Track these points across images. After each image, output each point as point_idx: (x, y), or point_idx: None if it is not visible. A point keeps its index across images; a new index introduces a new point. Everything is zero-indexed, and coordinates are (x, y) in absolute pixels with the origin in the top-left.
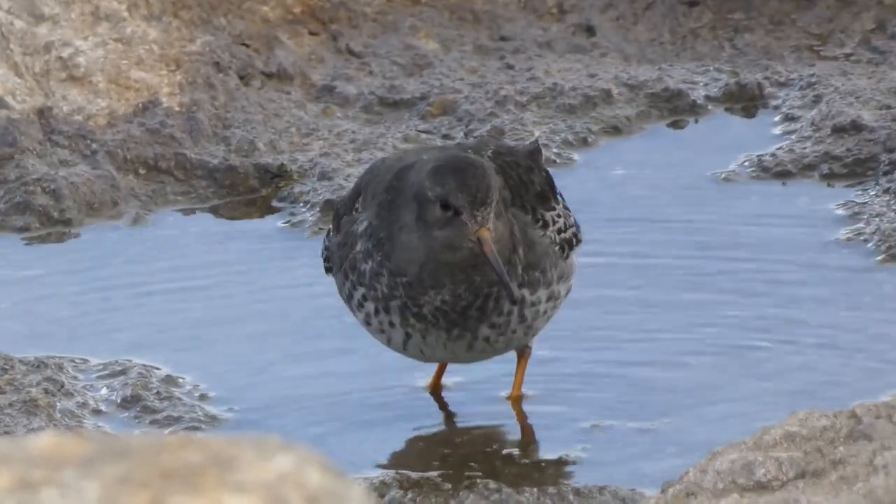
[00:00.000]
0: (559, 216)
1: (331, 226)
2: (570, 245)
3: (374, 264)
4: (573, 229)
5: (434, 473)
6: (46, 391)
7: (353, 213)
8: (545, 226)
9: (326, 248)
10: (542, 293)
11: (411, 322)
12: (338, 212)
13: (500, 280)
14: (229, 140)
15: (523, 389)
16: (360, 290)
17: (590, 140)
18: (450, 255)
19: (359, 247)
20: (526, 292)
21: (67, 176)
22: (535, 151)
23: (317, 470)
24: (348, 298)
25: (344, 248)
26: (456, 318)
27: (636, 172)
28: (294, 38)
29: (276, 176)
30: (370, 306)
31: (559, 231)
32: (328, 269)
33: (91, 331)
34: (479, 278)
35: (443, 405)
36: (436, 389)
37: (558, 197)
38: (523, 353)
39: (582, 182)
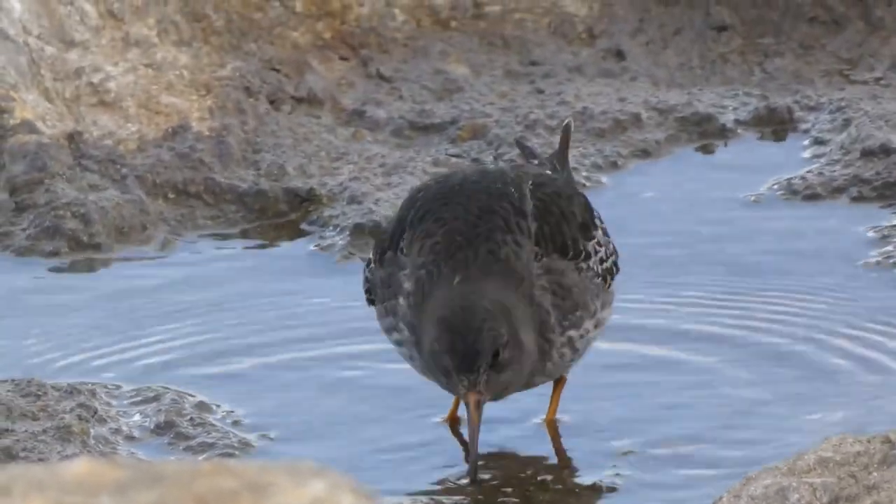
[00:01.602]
0: (600, 245)
1: (371, 256)
2: (611, 274)
3: (409, 339)
4: (613, 257)
5: (467, 499)
6: (80, 417)
7: (399, 252)
8: (587, 257)
9: (367, 280)
10: (589, 324)
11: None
12: (381, 244)
13: (470, 455)
14: (259, 164)
15: (559, 414)
16: (398, 335)
17: (619, 163)
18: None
19: (401, 304)
20: (573, 332)
21: (97, 200)
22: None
23: (350, 495)
24: (387, 331)
25: (388, 290)
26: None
27: (665, 195)
28: (324, 63)
29: (306, 200)
30: (405, 351)
31: (601, 261)
32: (370, 301)
33: (123, 356)
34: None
35: (459, 438)
36: (453, 421)
37: (596, 222)
38: (560, 378)
39: (611, 205)
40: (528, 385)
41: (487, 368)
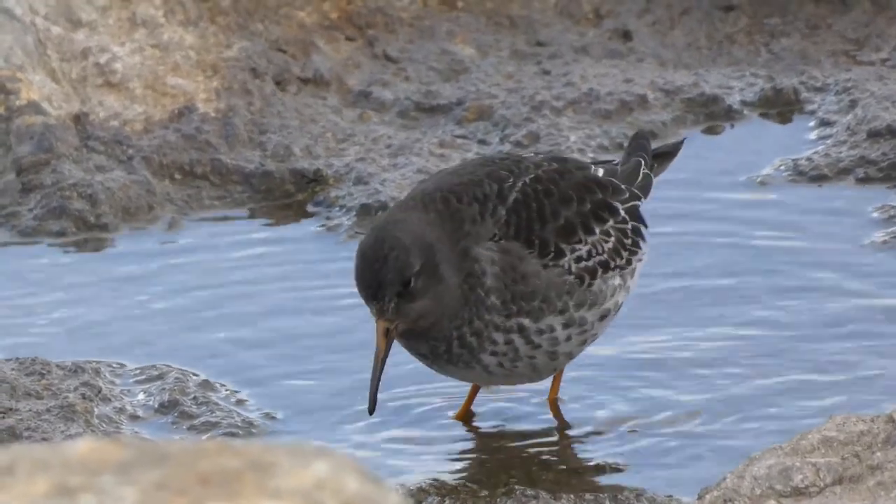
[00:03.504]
0: (584, 244)
1: None
2: (593, 273)
3: None
4: (600, 257)
5: (471, 480)
6: (84, 396)
7: None
8: (559, 256)
9: None
10: (554, 320)
11: (419, 358)
12: None
13: (371, 383)
14: (265, 145)
15: (561, 394)
16: None
17: (626, 145)
18: (420, 355)
19: None
20: (526, 321)
21: (104, 181)
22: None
23: (354, 476)
24: None
25: None
26: (449, 357)
27: (672, 177)
28: (331, 44)
29: (312, 181)
30: None
31: (578, 259)
32: None
33: (127, 335)
34: (436, 330)
35: (472, 429)
36: (465, 417)
37: (595, 227)
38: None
39: None
40: (486, 371)
41: (395, 297)
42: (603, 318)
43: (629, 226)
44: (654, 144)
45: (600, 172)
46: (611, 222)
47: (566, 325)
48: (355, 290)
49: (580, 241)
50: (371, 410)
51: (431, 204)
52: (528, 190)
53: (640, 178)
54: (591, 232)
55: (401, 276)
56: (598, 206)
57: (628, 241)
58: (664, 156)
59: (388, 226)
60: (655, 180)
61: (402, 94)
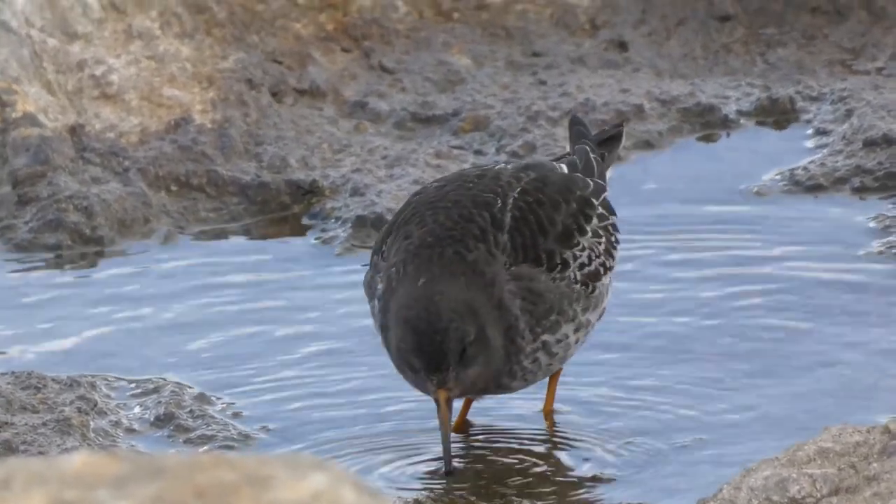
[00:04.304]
0: (583, 249)
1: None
2: (596, 277)
3: (383, 341)
4: (599, 259)
5: (466, 491)
6: (80, 410)
7: (380, 256)
8: (565, 267)
9: (364, 280)
10: (568, 328)
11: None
12: (375, 244)
13: (443, 449)
14: (261, 157)
15: (556, 405)
16: (379, 338)
17: (622, 154)
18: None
19: (376, 307)
20: (547, 336)
21: (99, 193)
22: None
23: (350, 489)
24: (377, 332)
25: (370, 292)
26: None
27: (668, 186)
28: (327, 55)
29: (308, 192)
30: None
31: (581, 266)
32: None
33: (123, 349)
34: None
35: (468, 440)
36: (461, 427)
37: (589, 225)
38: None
39: (614, 196)
40: (509, 389)
41: (456, 366)
42: (600, 316)
43: (610, 221)
44: (650, 154)
45: (565, 169)
46: (595, 220)
47: (577, 330)
48: (406, 354)
49: (578, 245)
50: (448, 472)
51: (452, 266)
52: (520, 205)
53: (595, 168)
54: (583, 232)
55: (460, 346)
56: (581, 204)
57: (614, 239)
58: (609, 141)
59: (430, 297)
60: (653, 188)
61: (399, 105)
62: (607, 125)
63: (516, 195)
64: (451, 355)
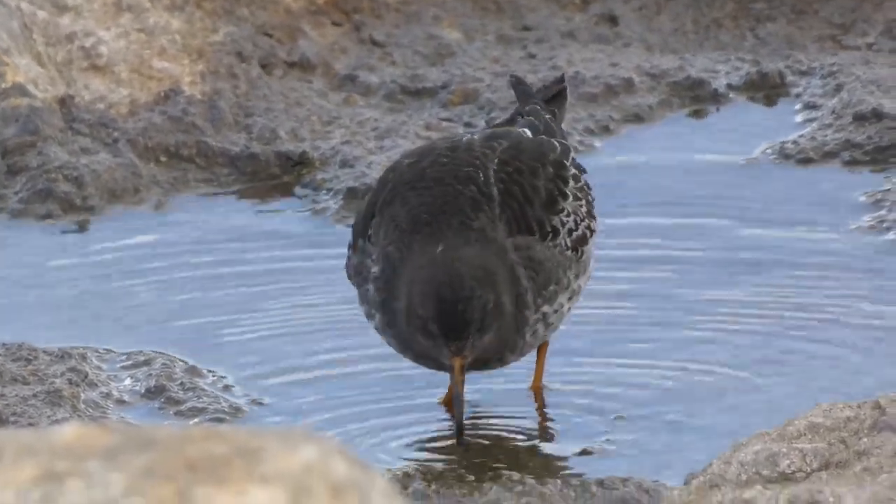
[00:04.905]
0: (568, 215)
1: (350, 241)
2: (584, 241)
3: (381, 321)
4: (584, 223)
5: (457, 465)
6: (70, 382)
7: (367, 240)
8: (556, 234)
9: (346, 266)
10: (563, 297)
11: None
12: (355, 228)
13: (455, 417)
14: (251, 128)
15: (545, 380)
16: (374, 322)
17: (611, 128)
18: (429, 360)
19: (371, 291)
20: (546, 307)
21: (89, 164)
22: (557, 96)
23: (341, 461)
24: (366, 318)
25: (360, 278)
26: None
27: (658, 160)
28: (317, 29)
29: (298, 163)
30: (385, 338)
31: (570, 232)
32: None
33: (114, 320)
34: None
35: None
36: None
37: (567, 188)
38: (542, 343)
39: (603, 169)
40: (503, 362)
41: (475, 334)
42: (586, 281)
43: (582, 182)
44: (640, 127)
45: (528, 133)
46: (571, 182)
47: (570, 298)
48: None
49: (563, 210)
50: (459, 442)
51: (460, 234)
52: (502, 176)
53: (554, 128)
54: (565, 196)
55: (482, 313)
56: (556, 168)
57: (591, 199)
58: (556, 98)
59: (455, 264)
60: (642, 161)
61: (388, 78)
62: (597, 99)
63: (495, 167)
64: (474, 323)
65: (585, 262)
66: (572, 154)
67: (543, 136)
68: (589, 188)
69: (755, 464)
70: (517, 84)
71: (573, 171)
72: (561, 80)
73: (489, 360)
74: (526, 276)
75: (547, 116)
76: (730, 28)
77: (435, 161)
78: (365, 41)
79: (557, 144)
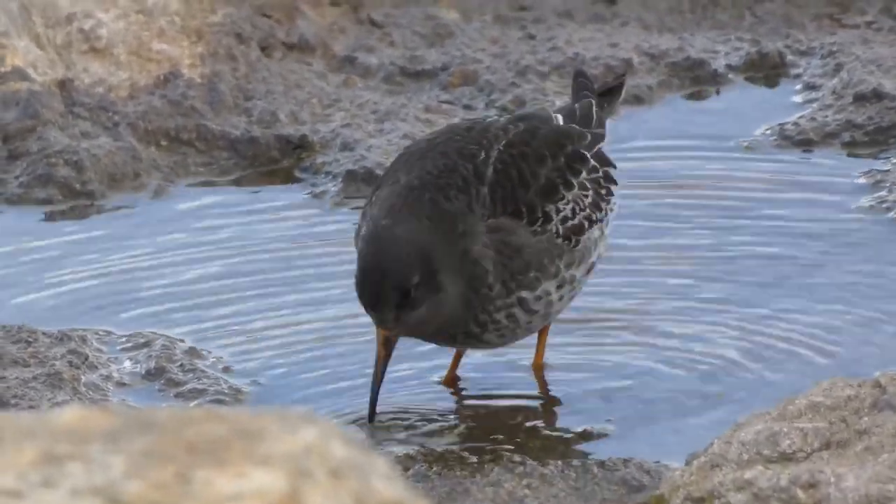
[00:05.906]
0: (567, 203)
1: None
2: (580, 230)
3: None
4: (585, 212)
5: (458, 447)
6: (71, 364)
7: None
8: (546, 221)
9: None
10: (549, 285)
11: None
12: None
13: (371, 392)
14: (251, 111)
15: (546, 359)
16: None
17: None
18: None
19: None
20: (524, 293)
21: (89, 148)
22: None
23: (341, 443)
24: None
25: (356, 239)
26: (453, 342)
27: (657, 141)
28: (316, 9)
29: (298, 147)
30: None
31: (564, 220)
32: None
33: (114, 303)
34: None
35: (459, 396)
36: (451, 382)
37: (577, 178)
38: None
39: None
40: (483, 341)
41: (395, 308)
42: (588, 271)
43: (601, 173)
44: (640, 109)
45: (560, 120)
46: (584, 174)
47: (559, 287)
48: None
49: (562, 199)
50: (371, 418)
51: (421, 210)
52: (504, 158)
53: (595, 119)
54: (570, 186)
55: (400, 287)
56: (570, 158)
57: (603, 192)
58: (610, 93)
59: (384, 236)
60: (642, 143)
61: (388, 60)
62: (597, 80)
63: (501, 148)
64: (389, 295)
65: (582, 251)
66: (601, 145)
67: (574, 126)
68: (608, 180)
69: (756, 444)
70: (578, 76)
71: (592, 162)
72: (622, 76)
73: (454, 338)
74: (493, 259)
75: (595, 108)
76: (728, 7)
77: (450, 138)
78: (363, 22)
79: (587, 134)
